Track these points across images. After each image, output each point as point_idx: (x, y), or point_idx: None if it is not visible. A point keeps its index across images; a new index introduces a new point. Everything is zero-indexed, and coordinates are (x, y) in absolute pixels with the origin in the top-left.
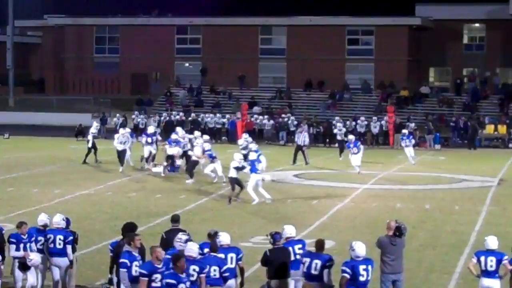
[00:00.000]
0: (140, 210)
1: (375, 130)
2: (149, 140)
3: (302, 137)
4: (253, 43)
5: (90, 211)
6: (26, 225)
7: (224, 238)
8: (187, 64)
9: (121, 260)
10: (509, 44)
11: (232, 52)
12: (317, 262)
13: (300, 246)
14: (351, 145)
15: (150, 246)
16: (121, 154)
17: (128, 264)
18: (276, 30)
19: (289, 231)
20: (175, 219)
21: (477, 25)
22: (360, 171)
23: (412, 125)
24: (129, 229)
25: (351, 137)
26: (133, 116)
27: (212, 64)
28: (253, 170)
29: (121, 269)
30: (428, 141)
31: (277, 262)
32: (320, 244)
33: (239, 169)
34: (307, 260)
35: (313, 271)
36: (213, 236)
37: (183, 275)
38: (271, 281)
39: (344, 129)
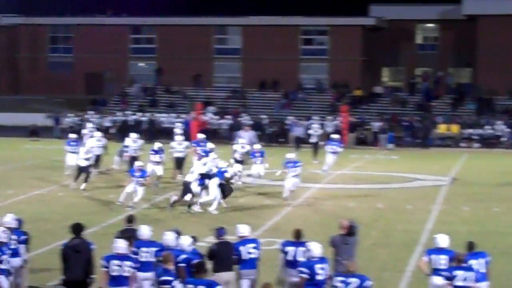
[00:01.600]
0: (94, 210)
1: (329, 129)
2: (158, 158)
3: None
4: (208, 43)
5: (43, 211)
6: None
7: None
8: (141, 64)
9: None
10: (462, 44)
11: (186, 52)
12: (303, 249)
13: (254, 245)
14: (336, 144)
15: None
16: (84, 170)
17: None
18: (231, 30)
19: (243, 230)
20: (130, 220)
21: (430, 25)
22: (327, 170)
23: (378, 124)
24: (77, 230)
25: (336, 136)
26: (87, 116)
27: (166, 64)
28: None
29: None
30: (382, 141)
31: (222, 256)
32: (298, 233)
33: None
34: (292, 248)
35: (299, 258)
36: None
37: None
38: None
39: (320, 131)
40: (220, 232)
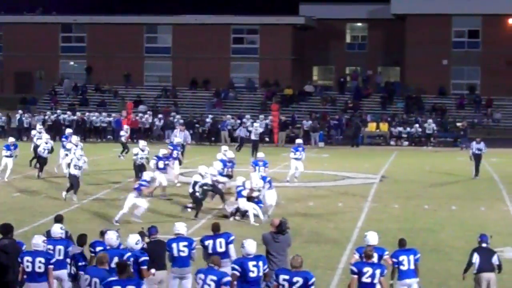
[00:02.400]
0: (25, 210)
1: (260, 128)
2: (161, 164)
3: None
4: (139, 41)
5: None
6: None
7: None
8: (72, 63)
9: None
10: (391, 43)
11: (117, 51)
12: (221, 241)
13: (185, 243)
14: (299, 149)
15: None
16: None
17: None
18: (162, 29)
19: (179, 227)
20: (58, 219)
21: (359, 24)
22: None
23: (308, 123)
24: (5, 230)
25: (299, 141)
26: (17, 115)
27: (97, 63)
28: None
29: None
30: (313, 139)
31: (153, 255)
32: (216, 227)
33: None
34: (210, 242)
35: (218, 249)
36: (104, 234)
37: None
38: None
39: (260, 129)
40: (151, 230)
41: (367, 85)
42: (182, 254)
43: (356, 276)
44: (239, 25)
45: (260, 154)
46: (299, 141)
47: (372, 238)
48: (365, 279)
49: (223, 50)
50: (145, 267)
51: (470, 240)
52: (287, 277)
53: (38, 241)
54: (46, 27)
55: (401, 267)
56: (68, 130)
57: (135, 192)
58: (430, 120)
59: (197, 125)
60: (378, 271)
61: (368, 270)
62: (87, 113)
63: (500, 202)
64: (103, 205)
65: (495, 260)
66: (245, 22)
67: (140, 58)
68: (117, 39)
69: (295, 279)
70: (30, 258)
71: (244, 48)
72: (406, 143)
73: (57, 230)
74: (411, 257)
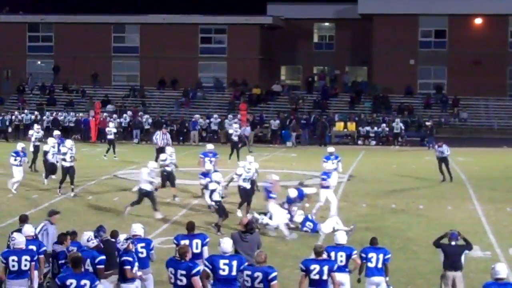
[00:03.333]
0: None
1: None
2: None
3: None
4: (106, 41)
5: None
6: None
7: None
8: (39, 62)
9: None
10: (358, 43)
11: (85, 50)
12: (197, 242)
13: (143, 244)
14: (331, 157)
15: None
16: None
17: None
18: (129, 28)
19: (136, 229)
20: (23, 219)
21: (326, 24)
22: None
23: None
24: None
25: (331, 149)
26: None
27: (64, 62)
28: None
29: None
30: (280, 139)
31: (108, 253)
32: (191, 226)
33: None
34: (186, 241)
35: (194, 250)
36: (71, 234)
37: None
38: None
39: (239, 131)
40: (100, 229)
41: (335, 84)
42: (140, 255)
43: (303, 273)
44: (207, 25)
45: (209, 146)
46: (331, 149)
47: (341, 238)
48: (313, 276)
49: (191, 49)
50: (102, 266)
51: None
52: (249, 272)
53: (20, 239)
54: (13, 27)
55: (369, 264)
56: (56, 132)
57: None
58: (397, 120)
59: (165, 125)
60: (326, 268)
61: (315, 267)
62: (54, 113)
63: (467, 201)
64: (71, 204)
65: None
66: (213, 22)
67: (108, 58)
68: (84, 38)
69: (256, 274)
70: (15, 258)
71: (212, 48)
72: (374, 142)
73: (29, 229)
74: (380, 256)
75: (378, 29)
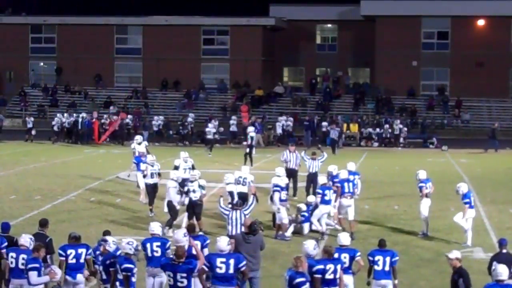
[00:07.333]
0: None
1: (233, 127)
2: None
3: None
4: (109, 42)
5: None
6: None
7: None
8: (41, 64)
9: None
10: (360, 45)
11: (87, 52)
12: (197, 243)
13: (159, 243)
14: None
15: None
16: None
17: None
18: (132, 30)
19: (154, 227)
20: (43, 224)
21: (329, 25)
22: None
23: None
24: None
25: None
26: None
27: (67, 64)
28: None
29: None
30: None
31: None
32: (191, 227)
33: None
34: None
35: (193, 251)
36: (73, 238)
37: None
38: None
39: (215, 129)
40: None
41: (337, 86)
42: (155, 254)
43: (319, 276)
44: (210, 26)
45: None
46: (351, 166)
47: (345, 239)
48: (328, 276)
49: (194, 51)
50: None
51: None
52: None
53: (25, 240)
54: (15, 28)
55: (376, 267)
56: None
57: None
58: (397, 121)
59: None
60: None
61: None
62: (58, 114)
63: None
64: (73, 206)
65: None
66: (216, 23)
67: (110, 59)
68: (87, 40)
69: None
70: (14, 254)
71: (214, 49)
72: (376, 144)
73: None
74: (387, 259)
75: (381, 31)
